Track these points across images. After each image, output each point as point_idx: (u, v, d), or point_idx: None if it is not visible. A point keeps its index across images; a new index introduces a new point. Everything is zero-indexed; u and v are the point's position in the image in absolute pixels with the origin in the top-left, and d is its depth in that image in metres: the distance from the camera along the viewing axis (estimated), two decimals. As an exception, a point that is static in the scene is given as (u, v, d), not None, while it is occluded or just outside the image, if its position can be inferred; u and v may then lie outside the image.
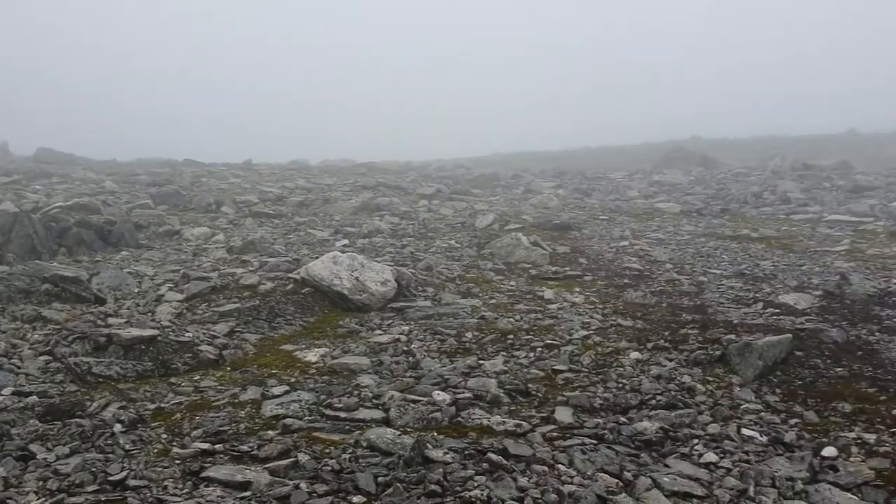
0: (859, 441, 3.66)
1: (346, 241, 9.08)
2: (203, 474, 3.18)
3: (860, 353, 4.91)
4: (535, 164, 24.30)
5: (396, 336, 5.33)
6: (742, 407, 4.11)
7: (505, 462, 3.33)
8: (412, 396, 4.12)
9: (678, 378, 4.47)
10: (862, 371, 4.58)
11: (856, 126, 32.19)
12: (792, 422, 3.94)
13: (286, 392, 4.25)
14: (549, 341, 5.16)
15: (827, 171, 16.87)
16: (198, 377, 4.61)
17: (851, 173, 16.20)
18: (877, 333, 5.32)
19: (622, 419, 3.94)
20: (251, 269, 7.23)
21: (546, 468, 3.34)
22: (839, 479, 3.31)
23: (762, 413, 4.04)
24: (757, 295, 6.53)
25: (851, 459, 3.49)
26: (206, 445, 3.45)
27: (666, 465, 3.47)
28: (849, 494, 3.18)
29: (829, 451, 3.55)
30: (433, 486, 3.05)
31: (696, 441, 3.70)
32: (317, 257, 6.97)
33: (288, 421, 3.77)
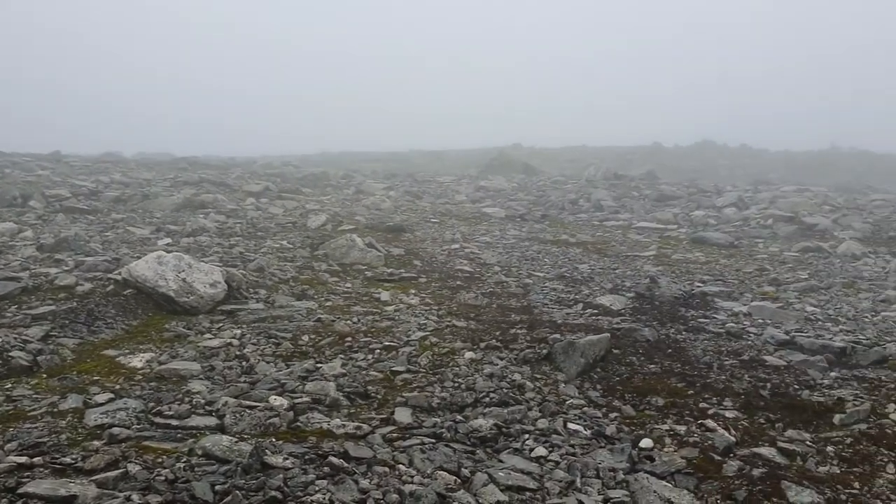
0: (671, 432, 4.00)
1: (169, 240, 8.66)
2: (21, 490, 2.93)
3: (670, 350, 5.36)
4: (363, 165, 24.36)
5: (228, 340, 5.16)
6: (567, 402, 4.36)
7: (346, 465, 3.33)
8: (248, 402, 4.01)
9: (509, 376, 4.67)
10: (672, 367, 5.00)
11: (659, 139, 34.93)
12: (612, 416, 4.23)
13: (111, 400, 3.99)
14: (387, 343, 5.21)
15: (636, 180, 18.18)
16: (9, 385, 4.23)
17: (657, 183, 17.55)
18: (683, 332, 5.82)
19: (459, 417, 4.06)
20: (66, 268, 6.73)
21: (387, 469, 3.38)
22: (655, 468, 3.60)
23: (585, 408, 4.31)
24: (577, 296, 6.94)
25: (665, 450, 3.80)
26: (22, 459, 3.17)
27: (500, 461, 3.62)
28: (664, 482, 3.46)
29: (645, 443, 3.85)
30: (273, 493, 3.00)
31: (527, 436, 3.89)
32: (139, 257, 6.62)
33: (115, 430, 3.54)
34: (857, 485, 3.49)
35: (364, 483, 3.19)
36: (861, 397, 4.57)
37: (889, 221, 11.80)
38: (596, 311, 6.41)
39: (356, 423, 3.85)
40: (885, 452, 3.84)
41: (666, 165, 25.85)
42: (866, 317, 6.51)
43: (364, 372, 4.67)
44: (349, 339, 5.28)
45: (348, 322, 5.72)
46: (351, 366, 4.76)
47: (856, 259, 9.15)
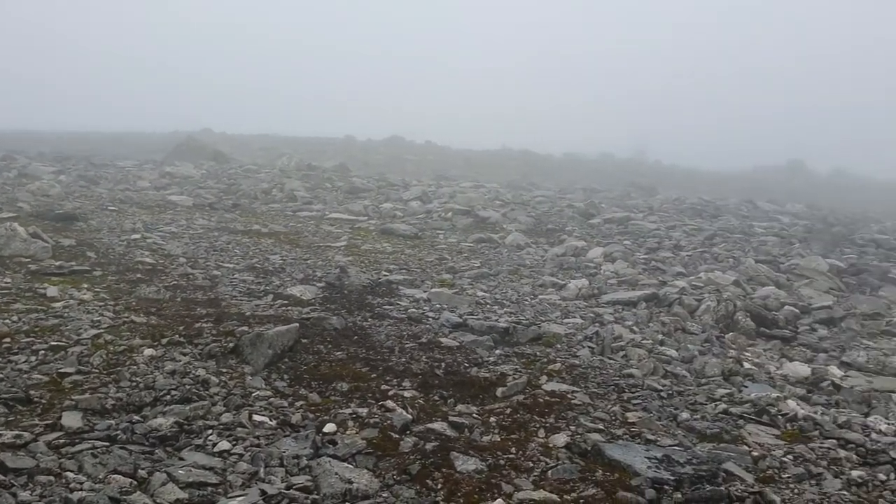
0: (354, 415, 4.17)
1: None
2: None
3: (356, 337, 5.57)
4: (31, 146, 21.80)
5: None
6: (254, 394, 4.35)
7: (3, 478, 3.02)
8: None
9: (193, 372, 4.53)
10: (357, 353, 5.20)
11: (351, 133, 35.87)
12: (298, 404, 4.31)
13: None
14: (54, 343, 4.76)
15: (328, 172, 18.47)
16: None
17: (349, 176, 18.01)
18: (369, 319, 6.08)
19: (136, 418, 3.87)
20: None
21: (52, 478, 3.12)
22: (337, 451, 3.74)
23: (272, 399, 4.33)
24: (267, 287, 6.91)
25: (348, 432, 3.96)
26: None
27: (181, 458, 3.52)
28: (345, 464, 3.61)
29: (329, 428, 3.98)
30: None
31: (210, 431, 3.82)
32: None
33: None
34: (513, 450, 3.93)
35: (24, 495, 2.92)
36: (520, 371, 5.15)
37: (548, 215, 13.35)
38: (286, 301, 6.44)
39: (15, 432, 3.48)
40: (538, 419, 4.36)
41: (358, 158, 26.62)
42: (526, 300, 7.33)
43: (26, 375, 4.23)
44: (8, 339, 4.74)
45: (6, 321, 5.13)
46: (10, 369, 4.29)
47: (520, 249, 10.23)
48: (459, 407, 4.49)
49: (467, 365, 5.19)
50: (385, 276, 7.79)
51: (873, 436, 4.45)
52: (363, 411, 4.24)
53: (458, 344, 5.60)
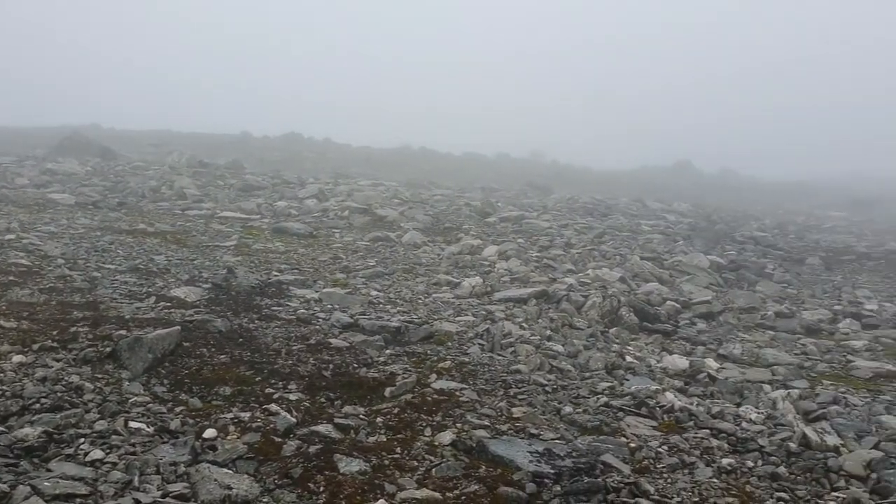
0: (236, 420, 4.08)
1: None
2: None
3: (241, 340, 5.44)
4: None
5: None
6: (131, 401, 4.19)
7: None
8: None
9: (66, 378, 4.32)
10: (242, 356, 5.08)
11: (248, 129, 35.05)
12: (178, 409, 4.17)
13: None
14: None
15: (221, 169, 17.99)
16: None
17: (243, 173, 17.59)
18: (256, 321, 5.96)
19: (1, 428, 3.65)
20: None
21: None
22: (217, 457, 3.64)
23: (150, 404, 4.18)
24: (150, 289, 6.67)
25: (228, 438, 3.86)
26: None
27: (48, 470, 3.35)
28: (225, 469, 3.53)
29: (209, 433, 3.88)
30: None
31: (82, 440, 3.65)
32: None
33: None
34: (399, 450, 3.93)
35: None
36: (410, 370, 5.16)
37: (446, 214, 13.43)
38: (169, 303, 6.23)
39: None
40: (425, 418, 4.38)
41: (254, 156, 26.02)
42: (420, 298, 7.35)
43: None
44: None
45: None
46: None
47: (417, 247, 10.25)
48: (346, 408, 4.45)
49: (356, 366, 5.16)
50: (276, 276, 7.65)
51: (744, 425, 4.69)
52: (245, 416, 4.15)
53: (348, 344, 5.55)
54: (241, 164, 19.47)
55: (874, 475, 4.04)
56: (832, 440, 4.51)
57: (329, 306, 6.62)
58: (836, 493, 3.83)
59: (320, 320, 6.15)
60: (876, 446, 4.44)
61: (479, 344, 5.93)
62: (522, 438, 4.17)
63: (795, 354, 6.66)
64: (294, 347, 5.38)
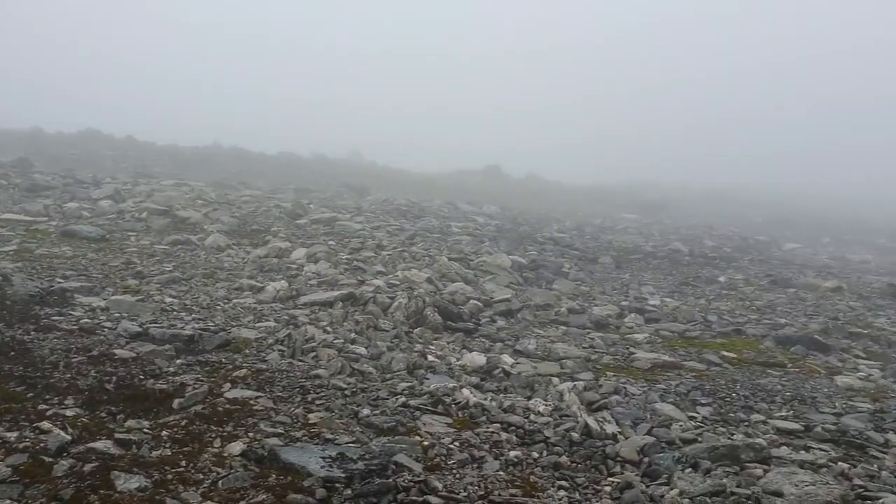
0: (1, 440, 3.73)
1: None
2: None
3: (13, 353, 4.99)
4: None
5: None
6: None
7: None
8: None
9: None
10: (13, 371, 4.66)
11: (41, 125, 32.28)
12: (-71, 434, 3.76)
13: None
14: None
15: (6, 167, 16.44)
16: None
17: (31, 172, 16.16)
18: (33, 332, 5.49)
19: None
20: None
21: None
22: (-30, 483, 3.31)
23: None
24: None
25: (-13, 461, 3.53)
26: None
27: None
28: (-20, 497, 3.21)
29: (-37, 458, 3.52)
30: None
31: None
32: None
33: None
34: (184, 463, 3.77)
35: None
36: (202, 380, 4.96)
37: (254, 216, 13.05)
38: (-71, 316, 5.60)
39: None
40: (216, 429, 4.23)
41: (47, 153, 24.00)
42: (219, 304, 7.08)
43: None
44: None
45: None
46: None
47: (220, 251, 9.88)
48: (130, 422, 4.21)
49: (143, 377, 4.88)
50: (59, 283, 7.08)
51: (532, 417, 4.92)
52: (12, 435, 3.81)
53: (134, 355, 5.24)
54: (29, 163, 17.85)
55: (646, 459, 4.37)
56: (611, 428, 4.83)
57: (117, 315, 6.22)
58: (611, 479, 4.10)
59: (106, 330, 5.77)
60: (649, 432, 4.81)
61: (280, 350, 5.81)
62: (317, 444, 4.13)
63: (584, 348, 7.08)
64: (74, 360, 5.01)
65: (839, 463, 4.43)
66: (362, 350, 6.09)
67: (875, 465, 4.46)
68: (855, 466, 4.39)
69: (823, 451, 4.69)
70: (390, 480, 3.72)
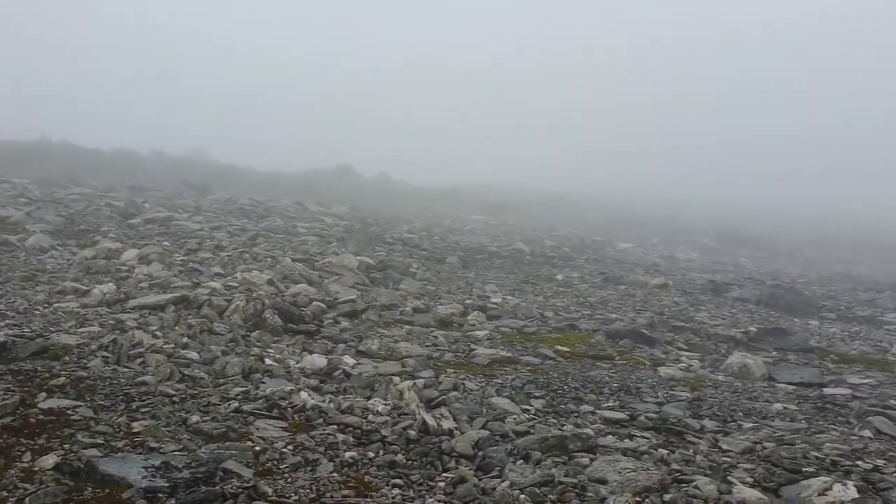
0: None
1: None
2: None
3: None
4: None
5: None
6: None
7: None
8: None
9: None
10: None
11: None
12: None
13: None
14: None
15: None
16: None
17: None
18: None
19: None
20: None
21: None
22: None
23: None
24: None
25: None
26: None
27: None
28: None
29: None
30: None
31: None
32: None
33: None
34: (-13, 479, 3.46)
35: None
36: (12, 390, 4.59)
37: (82, 215, 12.28)
38: None
39: None
40: (26, 442, 3.92)
41: None
42: (38, 309, 6.59)
43: None
44: None
45: None
46: None
47: (43, 252, 9.21)
48: (-76, 440, 3.81)
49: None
50: None
51: (370, 417, 4.89)
52: None
53: (-68, 366, 4.77)
54: None
55: (481, 453, 4.44)
56: (448, 424, 4.88)
57: (-84, 323, 5.65)
58: (446, 474, 4.14)
59: None
60: (484, 426, 4.89)
61: (103, 356, 5.47)
62: (140, 454, 3.91)
63: (427, 346, 7.15)
64: None
65: (659, 449, 4.68)
66: (194, 355, 5.84)
67: (691, 451, 4.75)
68: (673, 452, 4.66)
69: (646, 438, 4.95)
70: (217, 488, 3.58)
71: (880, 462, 4.55)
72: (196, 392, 5.01)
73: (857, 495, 3.93)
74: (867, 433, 5.27)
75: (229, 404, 4.81)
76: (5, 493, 3.38)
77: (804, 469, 4.35)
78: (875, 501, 3.90)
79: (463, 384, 5.86)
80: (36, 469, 3.62)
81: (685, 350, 8.15)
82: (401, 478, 4.04)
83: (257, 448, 4.15)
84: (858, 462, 4.51)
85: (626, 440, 4.87)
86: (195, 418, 4.51)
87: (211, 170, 32.13)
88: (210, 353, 5.95)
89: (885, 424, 5.44)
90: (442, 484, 4.01)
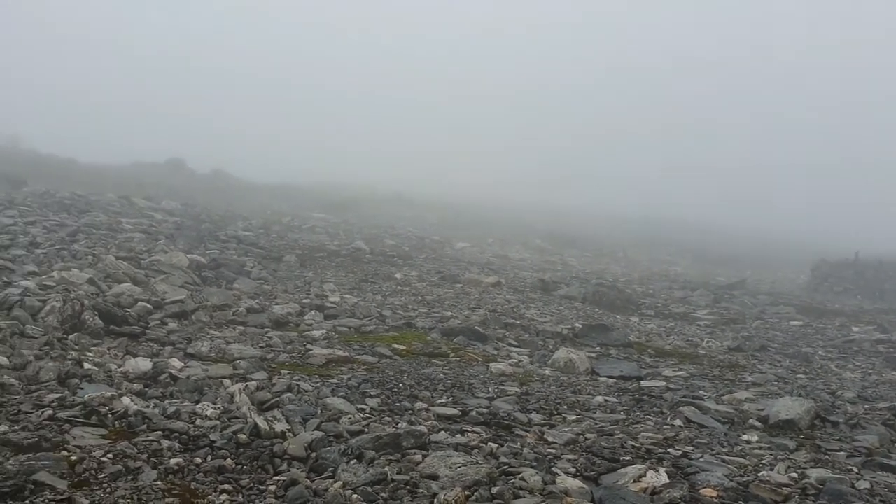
0: None
1: None
2: None
3: None
4: None
5: None
6: None
7: None
8: None
9: None
10: None
11: None
12: None
13: None
14: None
15: None
16: None
17: None
18: None
19: None
20: None
21: None
22: None
23: None
24: None
25: None
26: None
27: None
28: None
29: None
30: None
31: None
32: None
33: None
34: None
35: None
36: None
37: None
38: None
39: None
40: None
41: None
42: None
43: None
44: None
45: None
46: None
47: None
48: None
49: None
50: None
51: (198, 422, 4.73)
52: None
53: None
54: None
55: (314, 454, 4.41)
56: (281, 426, 4.81)
57: None
58: (277, 477, 4.07)
59: None
60: (318, 427, 4.86)
61: None
62: (-66, 470, 3.57)
63: (261, 347, 7.00)
64: None
65: (489, 443, 4.84)
66: (3, 360, 5.40)
67: (518, 444, 4.95)
68: (502, 446, 4.84)
69: (476, 433, 5.10)
70: (27, 502, 3.34)
71: (689, 448, 4.96)
72: (5, 400, 4.64)
73: (667, 480, 4.25)
74: (678, 422, 5.71)
75: (42, 412, 4.50)
76: None
77: (622, 458, 4.66)
78: (682, 485, 4.24)
79: (297, 385, 5.79)
80: None
81: (515, 346, 8.48)
82: (230, 483, 3.94)
83: (73, 458, 3.91)
84: (670, 449, 4.89)
85: (458, 436, 5.00)
86: (2, 428, 4.17)
87: (26, 160, 29.71)
88: (21, 357, 5.52)
89: (694, 414, 5.94)
90: (273, 487, 3.95)
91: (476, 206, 39.09)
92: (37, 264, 8.79)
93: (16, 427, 4.24)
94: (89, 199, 16.53)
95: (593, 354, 8.31)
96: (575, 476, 4.33)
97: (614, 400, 6.38)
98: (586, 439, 5.09)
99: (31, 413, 4.49)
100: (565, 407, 6.02)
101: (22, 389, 4.95)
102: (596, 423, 5.57)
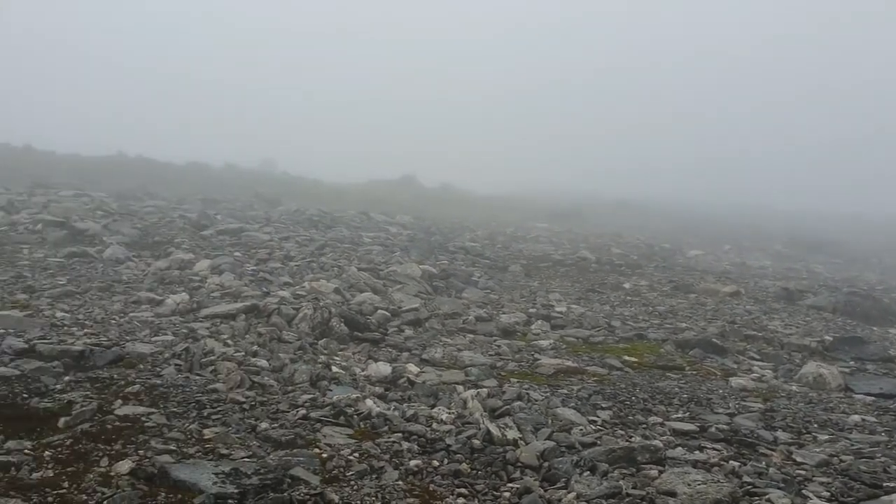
0: None
1: None
2: None
3: None
4: None
5: None
6: None
7: None
8: None
9: None
10: None
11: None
12: None
13: None
14: None
15: None
16: None
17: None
18: None
19: None
20: None
21: None
22: None
23: None
24: None
25: None
26: None
27: None
28: None
29: None
30: None
31: None
32: None
33: None
34: (66, 484, 3.59)
35: None
36: (91, 397, 4.75)
37: (157, 227, 12.66)
38: None
39: None
40: (103, 447, 4.05)
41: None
42: (114, 318, 6.81)
43: None
44: None
45: None
46: None
47: (119, 263, 9.53)
48: (9, 444, 3.99)
49: (27, 395, 4.65)
50: (-61, 298, 6.69)
51: (434, 425, 4.90)
52: None
53: (19, 373, 4.98)
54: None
55: (546, 464, 4.40)
56: (512, 434, 4.85)
57: (2, 331, 5.90)
58: (511, 484, 4.12)
59: (-11, 348, 5.47)
60: (549, 437, 4.86)
61: (176, 364, 5.62)
62: (210, 460, 4.01)
63: (490, 355, 7.13)
64: (-51, 380, 4.72)
65: (730, 461, 4.57)
66: (264, 363, 5.96)
67: (763, 463, 4.62)
68: (745, 464, 4.54)
69: (716, 450, 4.83)
70: (285, 494, 3.64)
71: (968, 478, 4.34)
72: (265, 399, 5.10)
73: (942, 513, 3.75)
74: (954, 447, 5.03)
75: (297, 411, 4.89)
76: (84, 497, 3.50)
77: (884, 484, 4.18)
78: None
79: (527, 394, 5.82)
80: (112, 474, 3.74)
81: (757, 360, 7.93)
82: (465, 487, 4.03)
83: (324, 455, 4.20)
84: (943, 478, 4.31)
85: (696, 452, 4.76)
86: (264, 425, 4.59)
87: (280, 182, 32.78)
88: (279, 360, 6.06)
89: (975, 439, 5.20)
90: (507, 494, 3.98)
91: (705, 211, 37.25)
92: (291, 276, 9.63)
93: (275, 424, 4.64)
94: (333, 216, 17.85)
95: (846, 369, 7.56)
96: (829, 501, 3.96)
97: (873, 420, 5.76)
98: (841, 461, 4.64)
99: (288, 412, 4.89)
100: (815, 425, 5.52)
101: (279, 390, 5.41)
102: (852, 445, 5.05)
